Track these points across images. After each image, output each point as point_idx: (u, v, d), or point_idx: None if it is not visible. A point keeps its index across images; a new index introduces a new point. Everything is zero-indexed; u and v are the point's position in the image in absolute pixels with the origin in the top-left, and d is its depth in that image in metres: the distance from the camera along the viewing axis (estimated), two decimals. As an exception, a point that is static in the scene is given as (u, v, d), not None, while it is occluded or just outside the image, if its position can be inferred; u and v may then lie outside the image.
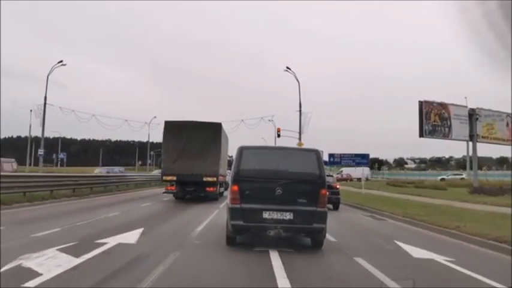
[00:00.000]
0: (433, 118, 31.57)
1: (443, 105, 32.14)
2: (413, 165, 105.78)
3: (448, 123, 32.18)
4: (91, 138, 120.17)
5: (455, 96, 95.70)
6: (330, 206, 17.06)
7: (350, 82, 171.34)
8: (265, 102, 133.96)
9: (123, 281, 4.64)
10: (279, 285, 4.65)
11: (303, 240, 7.46)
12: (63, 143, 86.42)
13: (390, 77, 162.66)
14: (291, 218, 6.53)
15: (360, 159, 26.28)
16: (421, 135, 31.00)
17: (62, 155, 52.24)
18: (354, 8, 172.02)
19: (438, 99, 32.70)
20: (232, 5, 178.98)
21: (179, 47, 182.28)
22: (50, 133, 76.34)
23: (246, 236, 7.22)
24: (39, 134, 36.01)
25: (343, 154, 26.84)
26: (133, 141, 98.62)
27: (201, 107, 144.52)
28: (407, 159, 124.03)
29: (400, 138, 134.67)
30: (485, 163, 57.06)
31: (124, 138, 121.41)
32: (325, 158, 37.94)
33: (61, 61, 32.38)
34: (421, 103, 31.21)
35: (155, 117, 53.15)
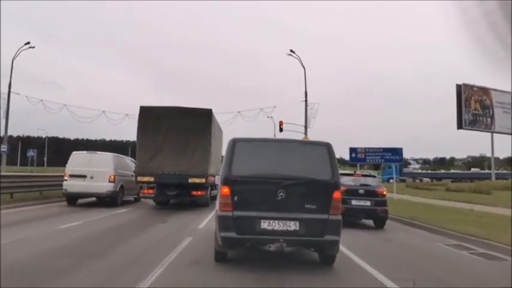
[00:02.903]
0: (474, 105, 25.68)
1: (484, 90, 26.22)
2: (417, 166, 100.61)
3: (491, 112, 26.38)
4: (84, 138, 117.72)
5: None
6: (369, 221, 11.52)
7: (349, 82, 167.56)
8: (265, 103, 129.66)
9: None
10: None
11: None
12: (57, 142, 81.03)
13: (390, 76, 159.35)
14: (297, 228, 5.16)
15: (391, 155, 20.15)
16: (459, 126, 25.05)
17: (31, 152, 45.80)
18: (354, 8, 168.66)
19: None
20: (231, 5, 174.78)
21: (177, 46, 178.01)
22: (36, 132, 70.67)
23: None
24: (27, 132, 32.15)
25: (369, 148, 20.61)
26: (128, 141, 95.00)
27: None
28: (409, 159, 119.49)
29: (399, 138, 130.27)
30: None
31: (119, 138, 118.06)
32: (338, 155, 32.17)
33: (28, 43, 29.85)
34: (459, 86, 25.26)
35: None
